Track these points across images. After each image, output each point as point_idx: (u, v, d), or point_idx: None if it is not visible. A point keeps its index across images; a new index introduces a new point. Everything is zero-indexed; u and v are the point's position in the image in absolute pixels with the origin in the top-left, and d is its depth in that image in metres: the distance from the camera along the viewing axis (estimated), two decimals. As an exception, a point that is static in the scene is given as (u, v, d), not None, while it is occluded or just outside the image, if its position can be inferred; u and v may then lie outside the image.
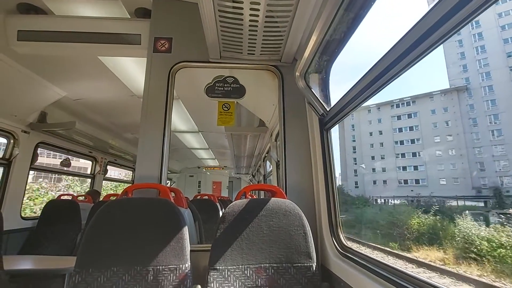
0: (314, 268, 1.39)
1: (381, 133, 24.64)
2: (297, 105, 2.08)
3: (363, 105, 0.96)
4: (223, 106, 2.25)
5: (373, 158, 24.73)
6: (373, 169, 24.40)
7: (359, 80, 1.36)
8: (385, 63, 1.12)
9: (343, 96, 1.56)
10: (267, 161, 5.45)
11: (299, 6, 1.45)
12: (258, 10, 1.50)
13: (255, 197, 2.72)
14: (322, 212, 1.79)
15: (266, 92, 2.39)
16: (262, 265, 1.39)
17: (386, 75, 1.14)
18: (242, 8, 1.49)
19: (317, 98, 1.88)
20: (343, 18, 1.40)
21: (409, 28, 0.97)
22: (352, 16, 1.39)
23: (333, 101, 1.82)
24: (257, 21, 1.60)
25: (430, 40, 0.88)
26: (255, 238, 1.42)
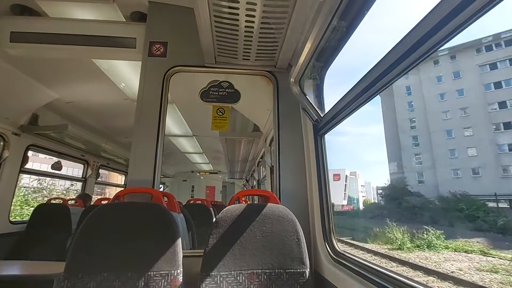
0: (307, 274, 1.38)
1: (462, 94, 15.16)
2: (292, 110, 2.09)
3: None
4: (218, 110, 2.25)
5: (449, 134, 15.33)
6: (452, 152, 14.76)
7: (353, 86, 1.38)
8: (379, 69, 1.13)
9: (337, 102, 1.58)
10: (261, 166, 5.44)
11: (294, 13, 1.47)
12: (253, 16, 1.51)
13: (249, 202, 2.71)
14: (315, 217, 1.79)
15: (260, 97, 2.40)
16: (254, 271, 1.38)
17: (380, 81, 1.15)
18: (237, 14, 1.50)
19: (311, 104, 1.89)
20: (337, 25, 1.42)
21: (403, 35, 0.98)
22: (346, 24, 1.41)
23: (328, 106, 1.83)
24: (252, 27, 1.61)
25: (425, 46, 0.90)
26: (248, 243, 1.41)
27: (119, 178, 8.06)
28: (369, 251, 10.00)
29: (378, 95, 1.26)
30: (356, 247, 10.86)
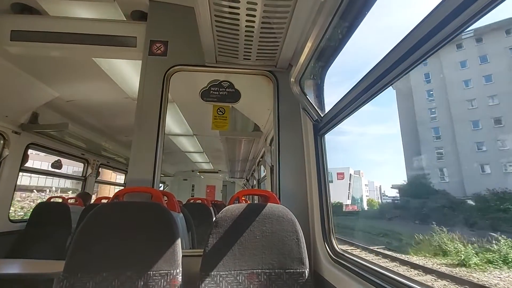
0: (306, 274, 1.38)
1: (490, 80, 13.46)
2: (292, 110, 2.09)
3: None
4: (218, 110, 2.25)
5: (475, 125, 13.68)
6: (478, 145, 13.33)
7: (353, 86, 1.37)
8: (380, 69, 1.13)
9: (337, 102, 1.57)
10: (261, 166, 5.44)
11: (295, 13, 1.46)
12: (254, 16, 1.51)
13: (249, 202, 2.71)
14: (315, 217, 1.79)
15: (261, 97, 2.40)
16: (254, 271, 1.38)
17: (381, 81, 1.15)
18: (238, 14, 1.50)
19: (311, 104, 1.89)
20: (338, 25, 1.42)
21: (404, 34, 0.98)
22: (347, 24, 1.41)
23: (328, 106, 1.83)
24: (253, 26, 1.61)
25: (427, 45, 0.89)
26: (248, 243, 1.41)
27: (113, 176, 8.06)
28: (425, 270, 6.65)
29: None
30: (403, 262, 7.47)
